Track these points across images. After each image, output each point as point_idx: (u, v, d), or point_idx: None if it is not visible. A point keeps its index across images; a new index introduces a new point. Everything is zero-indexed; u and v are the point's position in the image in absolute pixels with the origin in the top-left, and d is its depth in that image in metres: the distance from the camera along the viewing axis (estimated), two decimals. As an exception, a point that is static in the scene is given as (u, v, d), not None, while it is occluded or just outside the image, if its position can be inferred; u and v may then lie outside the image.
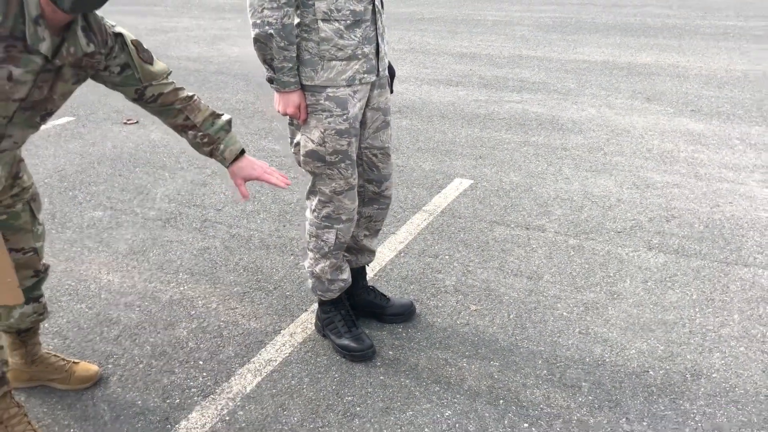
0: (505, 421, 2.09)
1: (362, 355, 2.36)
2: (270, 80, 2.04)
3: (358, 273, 2.55)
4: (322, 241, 2.27)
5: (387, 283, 2.89)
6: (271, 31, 1.95)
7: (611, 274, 2.93)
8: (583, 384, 2.25)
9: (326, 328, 2.45)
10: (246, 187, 1.88)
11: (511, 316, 2.64)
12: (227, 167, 1.96)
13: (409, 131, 4.89)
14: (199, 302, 2.78)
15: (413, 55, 7.53)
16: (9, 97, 1.58)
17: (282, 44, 1.96)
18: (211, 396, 2.23)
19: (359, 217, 2.38)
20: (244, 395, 2.23)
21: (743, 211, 3.52)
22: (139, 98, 1.86)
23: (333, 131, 2.07)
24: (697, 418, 2.09)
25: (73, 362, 2.30)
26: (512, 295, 2.78)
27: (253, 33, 1.99)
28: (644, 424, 2.07)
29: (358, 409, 2.16)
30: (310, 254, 2.34)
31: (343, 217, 2.23)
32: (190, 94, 1.91)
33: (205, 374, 2.34)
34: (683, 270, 2.96)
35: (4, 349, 1.88)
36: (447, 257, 3.10)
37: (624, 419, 2.09)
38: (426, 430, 2.07)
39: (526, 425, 2.08)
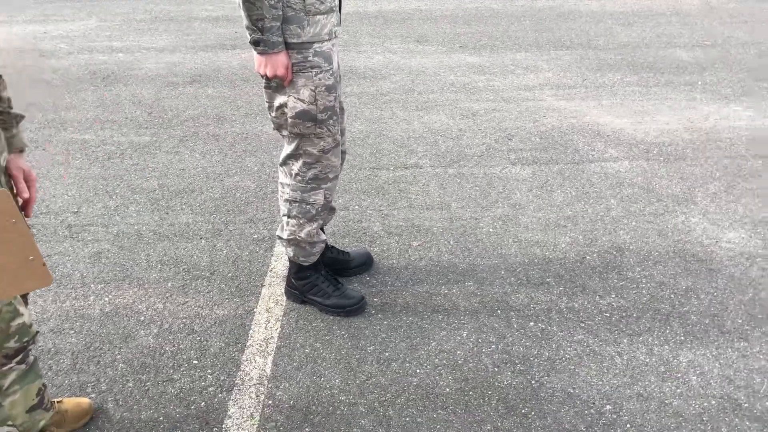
0: (515, 325, 2.35)
1: (358, 308, 2.41)
2: (256, 42, 1.93)
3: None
4: (309, 204, 2.24)
5: (320, 241, 2.90)
6: (261, -11, 1.85)
7: (501, 191, 3.31)
8: (548, 280, 2.60)
9: (309, 294, 2.43)
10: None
11: (451, 243, 2.87)
12: (10, 153, 1.58)
13: (224, 99, 4.73)
14: (140, 306, 2.52)
15: (164, 24, 7.10)
16: None
17: (272, 2, 1.88)
18: (236, 388, 2.11)
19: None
20: (269, 377, 2.15)
21: (557, 121, 4.16)
22: None
23: (323, 87, 2.05)
24: (643, 281, 2.57)
25: (57, 401, 1.98)
26: (438, 226, 3.00)
27: (240, -8, 1.86)
28: (613, 296, 2.49)
29: (387, 354, 2.23)
30: (292, 221, 2.29)
31: (330, 176, 2.22)
32: None
33: (210, 371, 2.19)
34: (551, 174, 3.46)
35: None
36: (357, 207, 3.19)
37: (597, 297, 2.49)
38: (458, 351, 2.23)
39: (531, 323, 2.36)
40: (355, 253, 2.66)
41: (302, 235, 2.30)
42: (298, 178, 2.20)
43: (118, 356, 2.26)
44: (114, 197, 3.36)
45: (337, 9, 2.07)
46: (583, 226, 2.96)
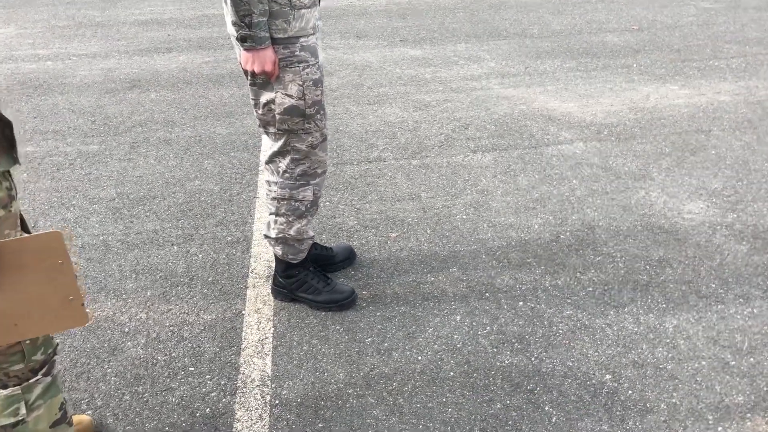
0: (505, 306, 2.40)
1: (350, 301, 2.41)
2: (243, 39, 1.91)
3: (303, 230, 2.53)
4: (298, 201, 2.23)
5: (297, 239, 2.88)
6: (249, -16, 1.82)
7: (467, 178, 3.37)
8: (529, 260, 2.67)
9: (298, 291, 2.42)
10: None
11: (428, 232, 2.91)
12: None
13: (169, 103, 4.61)
14: (122, 318, 2.44)
15: (91, 29, 6.84)
16: None
17: (259, -3, 1.85)
18: (240, 391, 2.08)
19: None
20: (271, 377, 2.13)
21: (508, 108, 4.26)
22: None
23: (310, 82, 2.04)
24: (618, 255, 2.68)
25: (56, 421, 1.90)
26: (412, 216, 3.03)
27: (229, -13, 1.83)
28: (592, 271, 2.58)
29: (385, 344, 2.25)
30: (281, 219, 2.27)
31: (319, 171, 2.21)
32: None
33: (209, 376, 2.15)
34: (512, 160, 3.54)
35: None
36: (328, 203, 3.18)
37: (578, 273, 2.57)
38: (455, 336, 2.27)
39: (521, 303, 2.42)
40: (338, 248, 2.66)
41: (291, 232, 2.28)
42: (286, 175, 2.18)
43: (108, 370, 2.18)
44: (71, 209, 3.23)
45: (318, 3, 2.06)
46: (551, 207, 3.05)
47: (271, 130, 2.12)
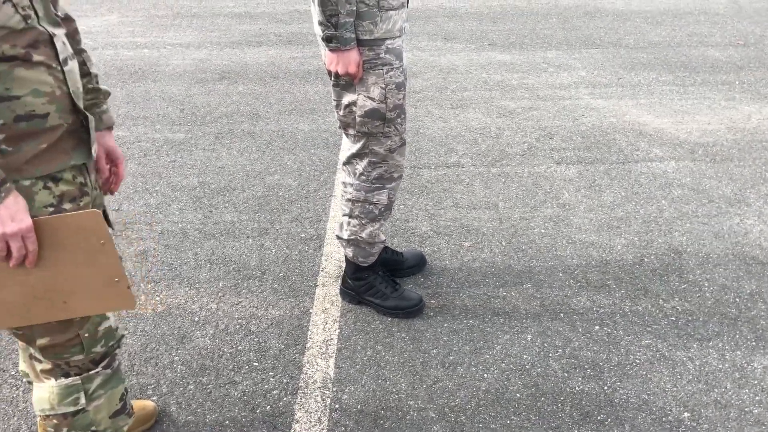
0: (579, 329, 2.30)
1: (417, 309, 2.36)
2: (329, 39, 1.88)
3: (376, 233, 2.49)
4: (372, 204, 2.19)
5: (370, 241, 2.85)
6: (337, -16, 1.80)
7: (548, 190, 3.26)
8: (609, 282, 2.54)
9: (366, 295, 2.39)
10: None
11: (503, 244, 2.82)
12: (99, 130, 1.52)
13: (256, 96, 4.68)
14: (193, 306, 2.48)
15: (187, 20, 7.05)
16: None
17: (347, -3, 1.82)
18: (300, 392, 2.06)
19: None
20: (333, 380, 2.11)
21: (597, 120, 4.10)
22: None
23: (393, 85, 2.00)
24: (705, 285, 2.52)
25: (123, 405, 1.94)
26: (488, 226, 2.95)
27: (318, -13, 1.81)
28: (677, 299, 2.43)
29: (451, 357, 2.18)
30: (354, 221, 2.24)
31: (395, 175, 2.17)
32: None
33: (272, 373, 2.14)
34: (598, 174, 3.40)
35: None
36: (402, 206, 3.14)
37: (660, 300, 2.43)
38: (525, 356, 2.18)
39: (597, 327, 2.30)
40: (409, 253, 2.62)
41: (363, 235, 2.25)
42: (363, 177, 2.16)
43: (176, 358, 2.22)
44: (154, 195, 3.32)
45: (406, 5, 2.02)
46: (636, 228, 2.91)
47: (351, 132, 2.10)
